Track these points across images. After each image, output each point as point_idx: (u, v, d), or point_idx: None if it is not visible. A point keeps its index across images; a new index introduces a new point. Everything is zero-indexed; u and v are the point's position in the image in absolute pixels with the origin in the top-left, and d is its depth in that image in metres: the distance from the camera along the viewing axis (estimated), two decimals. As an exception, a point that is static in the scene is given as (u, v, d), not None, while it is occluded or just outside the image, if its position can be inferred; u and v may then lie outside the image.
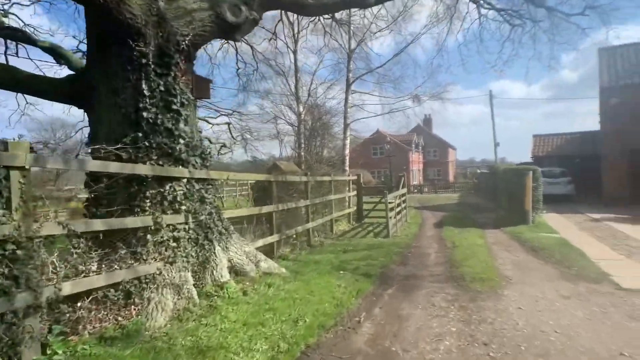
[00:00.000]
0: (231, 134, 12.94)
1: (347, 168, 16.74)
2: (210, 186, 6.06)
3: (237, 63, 12.67)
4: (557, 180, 19.39)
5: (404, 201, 14.94)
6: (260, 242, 7.31)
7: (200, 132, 6.55)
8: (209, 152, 6.15)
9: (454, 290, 6.29)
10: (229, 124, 12.67)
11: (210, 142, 8.62)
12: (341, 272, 7.34)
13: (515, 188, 13.44)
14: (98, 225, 4.25)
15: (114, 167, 4.52)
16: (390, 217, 12.15)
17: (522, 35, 11.88)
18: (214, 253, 5.78)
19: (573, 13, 10.84)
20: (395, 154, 40.07)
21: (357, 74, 17.31)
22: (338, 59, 18.10)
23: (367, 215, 14.89)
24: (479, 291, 6.15)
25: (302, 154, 16.99)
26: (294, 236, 9.13)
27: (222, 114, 12.86)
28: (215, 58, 14.53)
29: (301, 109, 17.37)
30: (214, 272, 5.70)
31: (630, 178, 17.24)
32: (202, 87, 6.13)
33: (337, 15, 13.93)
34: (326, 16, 13.38)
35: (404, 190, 15.05)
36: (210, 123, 12.15)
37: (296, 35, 17.73)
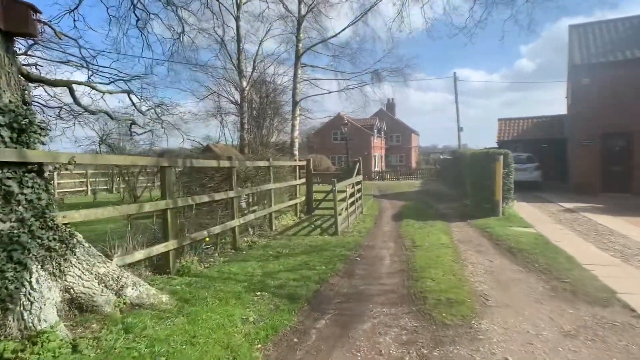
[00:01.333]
0: (135, 106, 10.54)
1: (296, 152, 14.61)
2: (29, 175, 3.78)
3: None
4: (524, 167, 18.08)
5: (359, 190, 13.03)
6: (141, 254, 5.09)
7: (25, 89, 4.21)
8: (31, 122, 3.84)
9: (412, 321, 4.37)
10: (129, 92, 10.20)
11: (92, 112, 6.29)
12: (258, 293, 5.25)
13: (483, 175, 11.80)
14: None
15: None
16: (340, 211, 10.19)
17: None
18: (27, 283, 3.54)
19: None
20: (356, 139, 38.32)
21: (309, 45, 15.10)
22: (287, 29, 15.80)
23: (318, 207, 12.89)
24: (447, 324, 4.24)
25: (245, 136, 14.69)
26: (207, 239, 6.95)
27: (120, 79, 10.28)
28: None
29: (245, 84, 15.00)
30: (25, 314, 3.47)
31: (600, 164, 16.10)
32: (13, 15, 3.80)
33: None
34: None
35: (359, 178, 13.13)
36: (99, 91, 9.60)
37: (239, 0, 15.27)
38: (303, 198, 13.27)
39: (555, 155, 21.62)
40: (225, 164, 7.69)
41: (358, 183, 12.93)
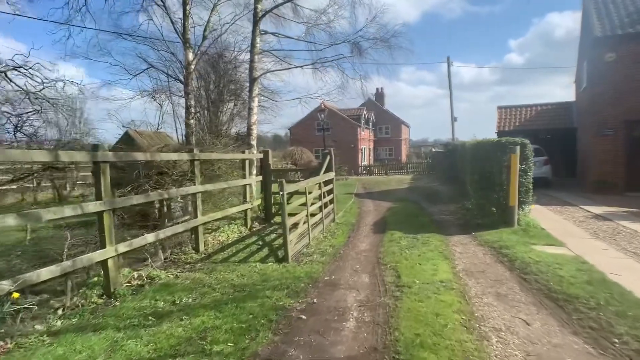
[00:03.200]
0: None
1: (253, 143, 11.53)
2: None
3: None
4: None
5: (329, 192, 10.06)
6: None
7: None
8: None
9: None
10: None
11: None
12: None
13: (491, 172, 8.95)
14: None
15: None
16: (296, 225, 7.26)
17: None
18: None
19: None
20: (341, 130, 35.29)
21: (272, 7, 11.98)
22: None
23: (279, 213, 9.93)
24: None
25: (192, 122, 11.60)
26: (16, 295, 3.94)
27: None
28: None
29: (191, 57, 11.89)
30: None
31: (625, 157, 13.34)
32: None
33: None
34: None
35: (330, 175, 10.15)
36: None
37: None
38: (259, 201, 10.31)
39: (563, 147, 18.89)
40: (78, 157, 4.68)
41: (328, 182, 9.97)
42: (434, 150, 35.25)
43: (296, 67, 12.60)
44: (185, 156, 6.72)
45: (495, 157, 8.79)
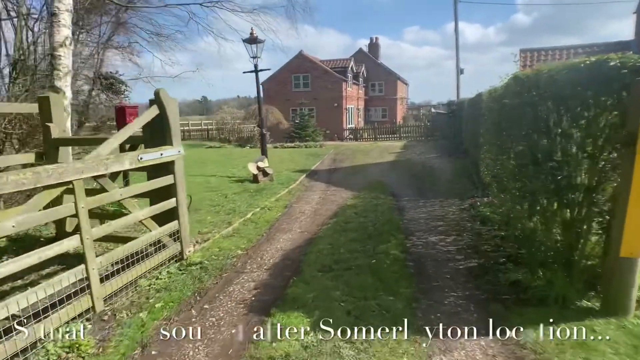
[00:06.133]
0: None
1: (61, 82, 5.76)
2: None
3: None
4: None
5: (158, 193, 4.36)
6: None
7: None
8: None
9: None
10: None
11: None
12: None
13: (564, 152, 3.32)
14: None
15: None
16: None
17: None
18: None
19: None
20: (314, 82, 28.94)
21: None
22: None
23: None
24: None
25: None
26: None
27: None
28: None
29: None
30: None
31: None
32: None
33: None
34: None
35: (150, 156, 4.41)
36: None
37: None
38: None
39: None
40: None
41: (165, 193, 4.29)
42: (433, 111, 29.33)
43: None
44: None
45: (579, 115, 3.15)
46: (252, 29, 10.19)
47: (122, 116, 7.75)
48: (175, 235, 4.47)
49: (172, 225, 4.39)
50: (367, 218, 6.27)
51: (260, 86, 30.18)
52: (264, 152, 10.93)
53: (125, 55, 9.20)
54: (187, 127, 32.39)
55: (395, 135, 27.07)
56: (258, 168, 10.05)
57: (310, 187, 9.54)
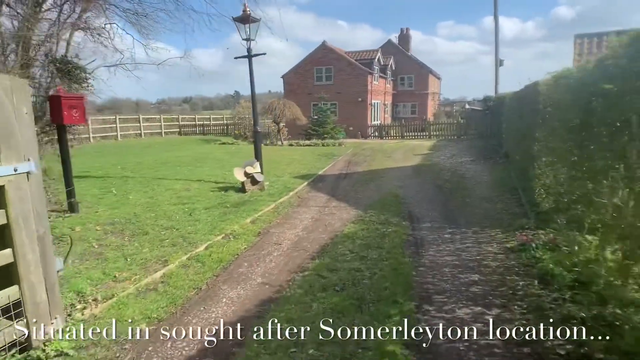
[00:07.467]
0: None
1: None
2: None
3: None
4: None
5: None
6: None
7: None
8: None
9: None
10: None
11: None
12: None
13: None
14: None
15: None
16: None
17: None
18: None
19: None
20: (337, 75, 26.64)
21: None
22: None
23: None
24: None
25: None
26: None
27: None
28: None
29: None
30: None
31: None
32: None
33: None
34: None
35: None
36: None
37: None
38: None
39: None
40: None
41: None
42: (467, 107, 26.65)
43: None
44: None
45: None
46: (244, 5, 8.25)
47: (57, 109, 6.04)
48: (16, 311, 2.62)
49: (5, 294, 2.55)
50: (364, 261, 4.27)
51: (282, 79, 28.45)
52: (257, 154, 9.04)
53: (97, 38, 7.50)
54: (209, 122, 31.63)
55: (425, 134, 24.64)
56: (246, 174, 8.20)
57: (306, 200, 7.58)
